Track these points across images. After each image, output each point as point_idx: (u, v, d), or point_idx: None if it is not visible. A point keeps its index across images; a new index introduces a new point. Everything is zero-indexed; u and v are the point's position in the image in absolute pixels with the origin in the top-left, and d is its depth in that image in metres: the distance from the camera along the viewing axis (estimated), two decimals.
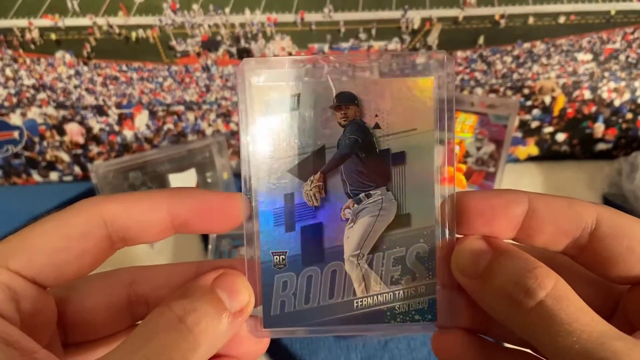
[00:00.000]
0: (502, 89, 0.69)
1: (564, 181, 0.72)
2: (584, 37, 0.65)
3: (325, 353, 0.51)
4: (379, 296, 0.22)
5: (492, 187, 0.63)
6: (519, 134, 0.73)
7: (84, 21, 0.60)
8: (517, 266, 0.20)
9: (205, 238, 0.62)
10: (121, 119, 0.67)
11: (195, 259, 0.60)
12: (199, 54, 0.63)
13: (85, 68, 0.63)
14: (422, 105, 0.22)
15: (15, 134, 0.66)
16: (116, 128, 0.68)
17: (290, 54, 0.64)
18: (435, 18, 0.63)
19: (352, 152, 0.22)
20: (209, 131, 0.69)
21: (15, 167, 0.69)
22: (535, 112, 0.71)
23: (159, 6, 0.60)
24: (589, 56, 0.67)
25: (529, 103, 0.70)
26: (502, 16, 0.63)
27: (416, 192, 0.22)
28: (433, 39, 0.64)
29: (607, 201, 0.69)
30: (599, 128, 0.73)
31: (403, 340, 0.52)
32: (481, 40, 0.65)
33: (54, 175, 0.71)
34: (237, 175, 0.65)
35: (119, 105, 0.66)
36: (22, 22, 0.59)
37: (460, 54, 0.66)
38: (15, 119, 0.65)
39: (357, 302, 0.22)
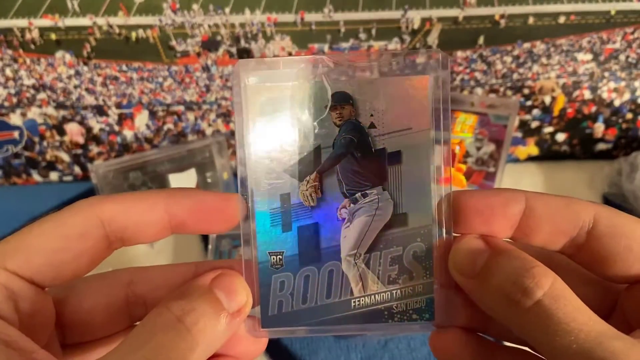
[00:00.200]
0: (502, 89, 0.69)
1: (564, 181, 0.72)
2: (584, 37, 0.65)
3: (325, 353, 0.51)
4: (377, 295, 0.22)
5: (492, 187, 0.63)
6: (519, 134, 0.73)
7: (84, 21, 0.60)
8: (514, 265, 0.20)
9: (205, 238, 0.62)
10: (121, 119, 0.67)
11: (196, 259, 0.60)
12: (199, 54, 0.63)
13: (85, 68, 0.63)
14: (417, 105, 0.22)
15: (15, 134, 0.67)
16: (116, 128, 0.68)
17: (290, 54, 0.64)
18: (435, 18, 0.63)
19: (348, 152, 0.22)
20: (209, 131, 0.69)
21: (15, 167, 0.69)
22: (535, 112, 0.71)
23: (159, 6, 0.60)
24: (589, 56, 0.67)
25: (529, 103, 0.70)
26: (502, 16, 0.63)
27: (413, 191, 0.22)
28: (433, 39, 0.64)
29: (607, 201, 0.69)
30: (599, 128, 0.73)
31: (403, 340, 0.52)
32: (481, 40, 0.65)
33: (54, 175, 0.71)
34: (237, 175, 0.66)
35: (119, 105, 0.66)
36: (22, 22, 0.59)
37: (460, 54, 0.66)
38: (15, 119, 0.66)
39: (354, 302, 0.22)
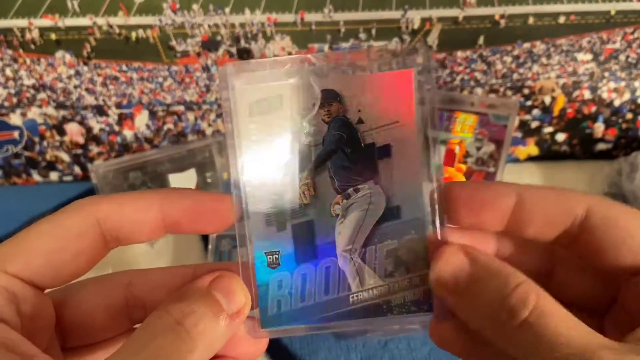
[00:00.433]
0: (502, 89, 0.69)
1: (564, 181, 0.72)
2: (584, 37, 0.65)
3: (325, 353, 0.51)
4: (374, 290, 0.22)
5: None
6: (519, 134, 0.73)
7: (84, 21, 0.60)
8: (498, 284, 0.19)
9: (205, 238, 0.62)
10: (121, 119, 0.67)
11: (196, 259, 0.60)
12: (199, 54, 0.63)
13: (85, 68, 0.63)
14: (403, 98, 0.22)
15: (15, 134, 0.67)
16: (116, 128, 0.68)
17: (290, 54, 0.64)
18: (435, 18, 0.63)
19: (338, 148, 0.22)
20: (209, 131, 0.69)
21: (15, 167, 0.69)
22: (535, 112, 0.71)
23: (159, 6, 0.60)
24: (589, 56, 0.67)
25: (529, 103, 0.70)
26: (502, 16, 0.63)
27: (404, 184, 0.22)
28: (433, 39, 0.64)
29: None
30: (598, 128, 0.73)
31: (403, 340, 0.52)
32: (481, 40, 0.65)
33: (54, 175, 0.71)
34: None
35: (119, 105, 0.66)
36: (22, 22, 0.59)
37: (460, 54, 0.66)
38: (15, 119, 0.66)
39: (352, 297, 0.22)
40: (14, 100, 0.64)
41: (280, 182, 0.22)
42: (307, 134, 0.22)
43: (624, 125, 0.73)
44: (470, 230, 0.22)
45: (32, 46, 0.61)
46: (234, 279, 0.21)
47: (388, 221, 0.22)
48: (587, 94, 0.70)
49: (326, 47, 0.64)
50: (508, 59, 0.66)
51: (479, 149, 0.62)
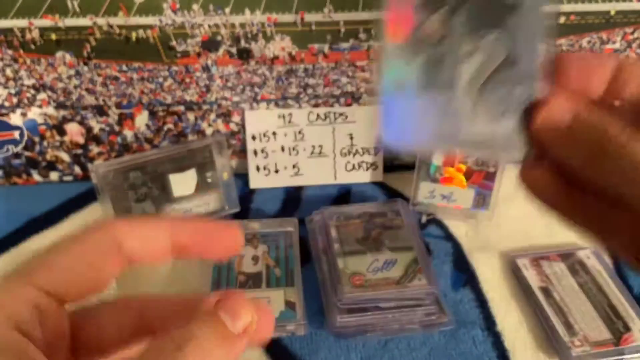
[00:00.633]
0: None
1: None
2: (584, 37, 0.66)
3: (325, 353, 0.51)
4: (483, 128, 0.24)
5: (492, 187, 0.63)
6: None
7: (84, 21, 0.60)
8: (597, 121, 0.21)
9: None
10: (121, 119, 0.67)
11: (196, 263, 0.60)
12: (199, 54, 0.63)
13: (86, 68, 0.63)
14: None
15: (16, 134, 0.67)
16: (116, 128, 0.68)
17: (290, 54, 0.64)
18: None
19: None
20: (209, 131, 0.69)
21: (15, 167, 0.69)
22: None
23: (159, 6, 0.60)
24: None
25: None
26: None
27: (525, 40, 0.24)
28: None
29: None
30: None
31: (403, 340, 0.52)
32: None
33: (54, 175, 0.71)
34: (237, 175, 0.66)
35: (119, 105, 0.66)
36: (23, 22, 0.60)
37: None
38: (15, 119, 0.66)
39: (463, 132, 0.24)
40: (14, 100, 0.64)
41: (418, 16, 0.24)
42: None
43: None
44: (574, 92, 0.23)
45: (33, 46, 0.61)
46: (239, 298, 0.22)
47: (505, 71, 0.24)
48: None
49: (326, 47, 0.64)
50: None
51: None
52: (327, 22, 0.63)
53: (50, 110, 0.65)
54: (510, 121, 0.24)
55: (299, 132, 0.68)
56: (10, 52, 0.61)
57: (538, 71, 0.23)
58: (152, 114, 0.67)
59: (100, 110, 0.66)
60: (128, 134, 0.68)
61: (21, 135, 0.67)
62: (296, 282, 0.54)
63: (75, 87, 0.64)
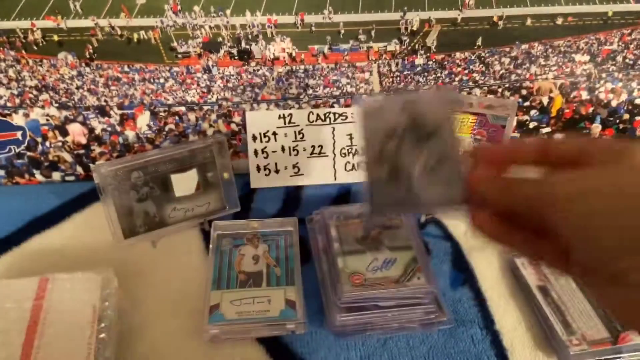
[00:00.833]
0: (500, 90, 0.69)
1: None
2: (582, 38, 0.66)
3: (325, 352, 0.51)
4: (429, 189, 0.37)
5: None
6: (517, 134, 0.74)
7: (86, 23, 0.61)
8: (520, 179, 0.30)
9: (207, 237, 0.62)
10: (123, 120, 0.68)
11: (197, 257, 0.60)
12: (200, 55, 0.64)
13: (88, 69, 0.63)
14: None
15: (18, 135, 0.67)
16: (118, 128, 0.68)
17: (290, 55, 0.65)
18: (434, 19, 0.63)
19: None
20: (209, 131, 0.70)
21: (17, 167, 0.70)
22: (533, 112, 0.72)
23: (161, 8, 0.60)
24: (587, 57, 0.67)
25: (527, 104, 0.71)
26: (500, 18, 0.64)
27: (447, 144, 0.37)
28: (432, 40, 0.65)
29: None
30: (596, 128, 0.73)
31: (402, 339, 0.53)
32: (479, 41, 0.65)
33: (56, 175, 0.71)
34: (237, 175, 0.66)
35: (120, 106, 0.66)
36: (25, 24, 0.60)
37: (458, 55, 0.66)
38: (18, 119, 0.66)
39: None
40: (17, 101, 0.65)
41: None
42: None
43: (621, 126, 0.73)
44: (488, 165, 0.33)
45: (35, 47, 0.61)
46: None
47: (441, 162, 0.36)
48: (584, 95, 0.70)
49: (326, 48, 0.65)
50: (506, 60, 0.67)
51: None
52: (326, 23, 0.63)
53: (52, 110, 0.66)
54: (451, 189, 0.35)
55: (299, 132, 0.69)
56: (12, 53, 0.61)
57: (461, 159, 0.35)
58: (154, 115, 0.68)
59: (102, 111, 0.67)
60: (130, 134, 0.69)
61: (24, 135, 0.67)
62: (296, 281, 0.55)
63: (78, 87, 0.65)
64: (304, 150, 0.70)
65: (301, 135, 0.69)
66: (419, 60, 0.66)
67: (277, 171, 0.70)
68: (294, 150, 0.69)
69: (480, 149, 0.34)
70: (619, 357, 0.50)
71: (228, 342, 0.51)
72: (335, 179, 0.72)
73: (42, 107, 0.65)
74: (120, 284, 0.53)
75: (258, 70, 0.66)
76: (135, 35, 0.62)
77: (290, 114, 0.68)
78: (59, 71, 0.63)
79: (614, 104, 0.71)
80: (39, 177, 0.71)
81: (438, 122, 0.38)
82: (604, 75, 0.69)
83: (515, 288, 0.57)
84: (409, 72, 0.67)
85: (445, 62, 0.67)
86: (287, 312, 0.52)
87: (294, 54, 0.65)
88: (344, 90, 0.68)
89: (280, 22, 0.62)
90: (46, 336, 0.46)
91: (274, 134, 0.69)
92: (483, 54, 0.66)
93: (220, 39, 0.63)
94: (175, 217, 0.62)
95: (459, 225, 0.65)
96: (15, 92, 0.64)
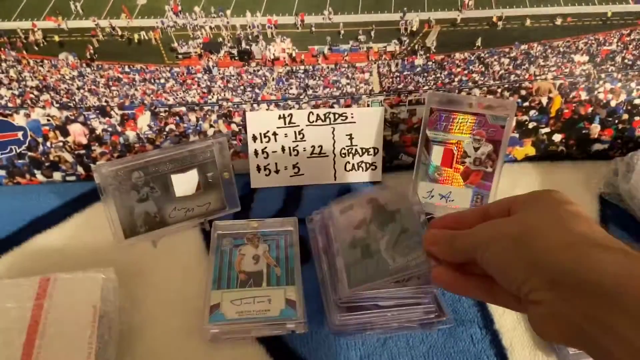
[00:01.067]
0: (499, 90, 0.69)
1: (561, 181, 0.73)
2: (581, 38, 0.66)
3: (325, 351, 0.52)
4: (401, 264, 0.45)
5: (490, 187, 0.63)
6: (516, 135, 0.74)
7: (87, 23, 0.61)
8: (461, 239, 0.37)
9: (207, 236, 0.63)
10: (124, 120, 0.68)
11: (197, 257, 0.61)
12: (200, 56, 0.64)
13: (88, 69, 0.64)
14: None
15: (19, 135, 0.67)
16: (119, 129, 0.68)
17: (290, 55, 0.65)
18: (434, 20, 0.64)
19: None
20: (210, 132, 0.70)
21: (19, 167, 0.70)
22: (532, 112, 0.72)
23: (161, 8, 0.60)
24: (586, 57, 0.67)
25: (526, 104, 0.71)
26: (499, 18, 0.64)
27: (407, 222, 0.48)
28: (431, 40, 0.65)
29: (604, 201, 0.70)
30: (595, 129, 0.74)
31: (402, 338, 0.53)
32: (479, 41, 0.66)
33: (57, 176, 0.72)
34: (237, 175, 0.66)
35: (121, 106, 0.67)
36: (26, 24, 0.60)
37: (458, 55, 0.66)
38: (19, 119, 0.66)
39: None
40: (18, 101, 0.65)
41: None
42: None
43: (620, 126, 0.73)
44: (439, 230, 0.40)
45: (36, 48, 0.62)
46: None
47: (404, 236, 0.47)
48: (583, 95, 0.70)
49: (326, 48, 0.65)
50: (505, 60, 0.67)
51: (476, 149, 0.63)
52: (326, 24, 0.63)
53: (53, 111, 0.66)
54: (413, 255, 0.44)
55: (299, 133, 0.69)
56: (13, 53, 0.62)
57: (419, 231, 0.46)
58: (154, 115, 0.68)
59: (103, 111, 0.67)
60: (130, 134, 0.69)
61: (25, 135, 0.67)
62: (296, 280, 0.55)
63: (78, 88, 0.65)
64: (304, 150, 0.70)
65: (301, 136, 0.69)
66: (419, 61, 0.67)
67: (277, 171, 0.70)
68: (294, 150, 0.70)
69: (433, 221, 0.41)
70: None
71: (228, 341, 0.52)
72: (335, 179, 0.72)
73: (43, 107, 0.66)
74: (121, 283, 0.53)
75: (258, 70, 0.66)
76: (136, 36, 0.62)
77: (291, 114, 0.68)
78: (59, 72, 0.63)
79: (613, 104, 0.71)
80: (39, 177, 0.71)
81: (396, 208, 0.48)
82: (603, 75, 0.69)
83: None
84: (408, 73, 0.67)
85: (445, 63, 0.67)
86: (287, 312, 0.52)
87: (294, 55, 0.65)
88: (344, 91, 0.68)
89: (280, 23, 0.62)
90: (47, 336, 0.46)
91: (274, 134, 0.69)
92: (482, 55, 0.66)
93: (220, 39, 0.63)
94: (176, 217, 0.62)
95: None
96: (17, 92, 0.64)
